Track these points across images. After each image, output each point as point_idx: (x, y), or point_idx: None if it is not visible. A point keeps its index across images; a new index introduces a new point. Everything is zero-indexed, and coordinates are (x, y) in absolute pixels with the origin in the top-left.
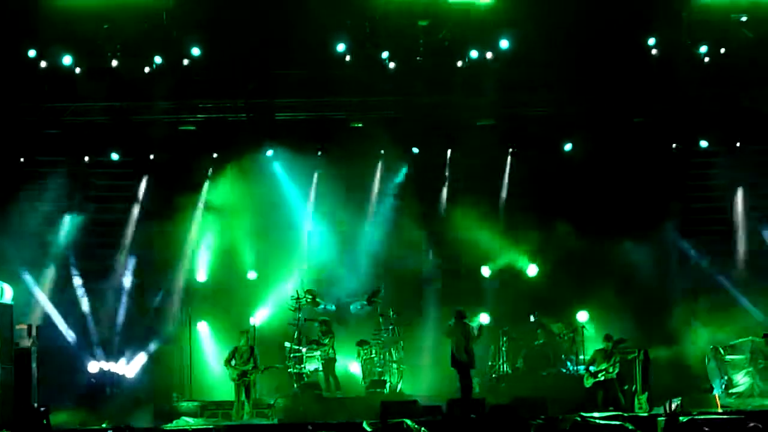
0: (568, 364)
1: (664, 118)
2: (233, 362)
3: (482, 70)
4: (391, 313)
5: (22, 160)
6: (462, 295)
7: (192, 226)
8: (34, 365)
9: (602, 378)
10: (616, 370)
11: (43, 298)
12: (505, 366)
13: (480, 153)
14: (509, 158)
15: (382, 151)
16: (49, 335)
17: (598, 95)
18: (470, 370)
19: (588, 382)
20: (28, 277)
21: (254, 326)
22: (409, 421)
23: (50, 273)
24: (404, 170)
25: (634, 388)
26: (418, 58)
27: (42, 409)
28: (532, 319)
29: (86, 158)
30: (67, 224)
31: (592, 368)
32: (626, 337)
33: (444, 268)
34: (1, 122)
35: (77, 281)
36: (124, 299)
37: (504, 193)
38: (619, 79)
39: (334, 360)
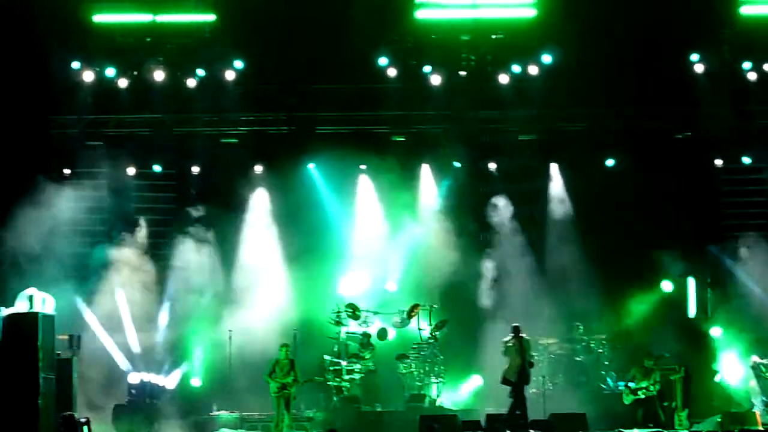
0: (608, 380)
1: (707, 133)
2: (273, 375)
3: (525, 85)
4: (432, 327)
5: (67, 171)
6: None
7: (234, 238)
8: (75, 375)
9: (642, 396)
10: (657, 388)
11: (84, 308)
12: (544, 381)
13: (522, 167)
14: (551, 172)
15: (424, 165)
16: (91, 346)
17: (641, 110)
18: (522, 388)
19: (627, 399)
20: (70, 288)
21: (296, 334)
22: None
23: (92, 283)
24: (446, 184)
25: (674, 404)
26: (460, 72)
27: (83, 420)
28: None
29: (129, 170)
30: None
31: (631, 385)
32: (666, 353)
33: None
34: (45, 134)
35: (119, 292)
36: (166, 308)
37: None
38: (662, 95)
39: (374, 373)
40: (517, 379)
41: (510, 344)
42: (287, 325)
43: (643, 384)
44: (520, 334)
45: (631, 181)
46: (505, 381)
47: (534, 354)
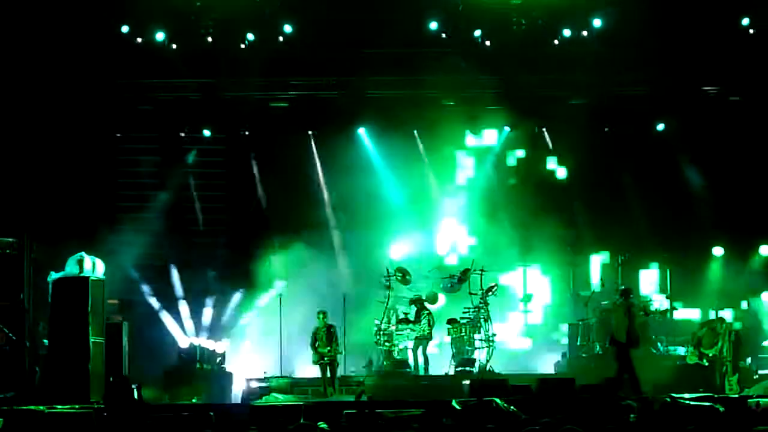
0: (659, 344)
1: (761, 97)
2: (317, 344)
3: (576, 49)
4: (481, 292)
5: (118, 135)
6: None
7: (284, 202)
8: (125, 339)
9: (706, 363)
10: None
11: (135, 273)
12: (596, 345)
13: (572, 131)
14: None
15: (474, 130)
16: (141, 310)
17: (693, 74)
18: (629, 351)
19: (692, 359)
20: (121, 252)
21: (344, 297)
22: (498, 400)
23: (143, 248)
24: (496, 149)
25: (724, 369)
26: (511, 36)
27: (134, 385)
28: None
29: (181, 134)
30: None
31: (703, 350)
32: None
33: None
34: (97, 98)
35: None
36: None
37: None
38: (714, 58)
39: (426, 338)
40: (626, 340)
41: (618, 305)
42: (337, 289)
43: (714, 351)
44: (630, 297)
45: (683, 145)
46: (612, 341)
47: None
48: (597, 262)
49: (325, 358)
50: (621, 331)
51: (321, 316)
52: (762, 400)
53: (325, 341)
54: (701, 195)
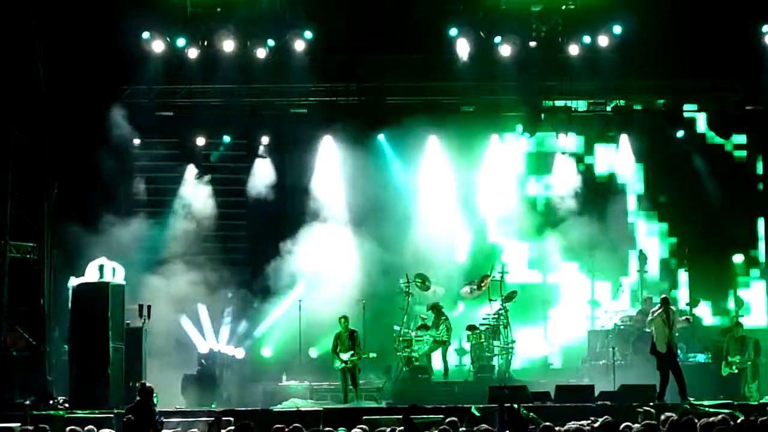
0: (679, 351)
1: None
2: (338, 349)
3: (595, 56)
4: (502, 298)
5: (137, 142)
6: None
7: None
8: (145, 345)
9: (736, 370)
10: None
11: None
12: (614, 352)
13: (591, 137)
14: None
15: (494, 136)
16: (161, 316)
17: (711, 82)
18: (673, 361)
19: (725, 371)
20: (140, 258)
21: (364, 304)
22: (517, 406)
23: (160, 253)
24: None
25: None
26: (531, 43)
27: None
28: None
29: (200, 141)
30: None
31: (729, 358)
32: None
33: None
34: (117, 104)
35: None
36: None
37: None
38: (731, 66)
39: (445, 344)
40: (666, 349)
41: (656, 314)
42: (356, 295)
43: (737, 358)
44: (669, 306)
45: (703, 152)
46: (653, 351)
47: (680, 324)
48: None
49: (348, 363)
50: (660, 342)
51: (343, 321)
52: None
53: (347, 345)
54: (716, 205)
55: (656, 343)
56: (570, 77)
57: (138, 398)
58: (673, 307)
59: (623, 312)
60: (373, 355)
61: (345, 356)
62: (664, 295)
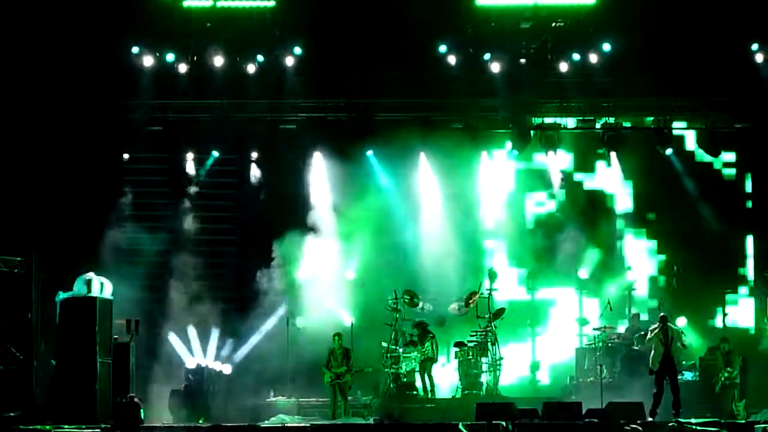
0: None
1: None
2: (329, 365)
3: (585, 73)
4: (490, 315)
5: (126, 156)
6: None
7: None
8: (132, 360)
9: (728, 383)
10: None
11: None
12: (602, 369)
13: (578, 155)
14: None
15: (483, 153)
16: (148, 331)
17: (700, 100)
18: (668, 378)
19: (718, 388)
20: (128, 272)
21: (352, 322)
22: (504, 423)
23: (148, 268)
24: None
25: (733, 394)
26: (520, 60)
27: (135, 399)
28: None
29: (189, 156)
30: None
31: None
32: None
33: None
34: (105, 119)
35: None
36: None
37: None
38: (720, 84)
39: (432, 361)
40: (659, 367)
41: (654, 333)
42: (344, 309)
43: (725, 374)
44: (668, 323)
45: (692, 171)
46: (651, 371)
47: (685, 339)
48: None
49: (341, 378)
50: (655, 360)
51: (337, 338)
52: None
53: (340, 361)
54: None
55: (652, 362)
56: (559, 94)
57: (125, 412)
58: (671, 325)
59: (611, 330)
60: (369, 369)
61: (338, 371)
62: (663, 314)
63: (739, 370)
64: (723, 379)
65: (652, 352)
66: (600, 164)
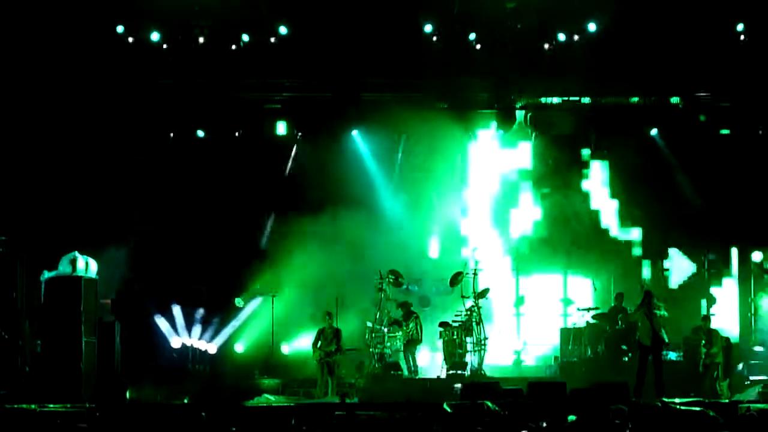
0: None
1: (752, 102)
2: (319, 344)
3: (569, 53)
4: (474, 295)
5: (111, 134)
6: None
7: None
8: (117, 339)
9: (708, 361)
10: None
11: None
12: (586, 350)
13: (562, 135)
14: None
15: (468, 132)
16: (133, 310)
17: (686, 80)
18: (654, 354)
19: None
20: (113, 251)
21: (337, 299)
22: (489, 403)
23: (136, 247)
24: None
25: (715, 374)
26: (506, 40)
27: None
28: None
29: (171, 135)
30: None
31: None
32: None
33: None
34: (89, 98)
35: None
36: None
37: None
38: (707, 64)
39: (417, 341)
40: (650, 343)
41: (640, 308)
42: (330, 291)
43: (704, 351)
44: (652, 299)
45: (676, 151)
46: (639, 344)
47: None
48: None
49: (330, 357)
50: (644, 336)
51: (327, 317)
52: (753, 406)
53: (329, 341)
54: (693, 202)
55: (641, 337)
56: (545, 74)
57: (110, 392)
58: (656, 301)
59: (595, 310)
60: (360, 348)
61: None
62: (647, 289)
63: (720, 349)
64: (704, 357)
65: (640, 327)
66: (584, 144)
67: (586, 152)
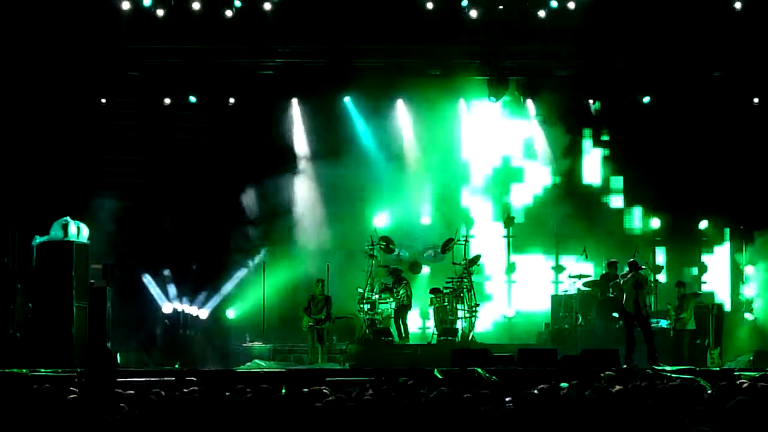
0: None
1: (745, 72)
2: (308, 310)
3: (563, 20)
4: (466, 262)
5: (103, 101)
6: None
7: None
8: (108, 304)
9: (678, 327)
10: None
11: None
12: (577, 317)
13: (556, 102)
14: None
15: (461, 99)
16: (125, 275)
17: (679, 47)
18: (639, 321)
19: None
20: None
21: (328, 265)
22: (480, 370)
23: (127, 213)
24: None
25: (706, 342)
26: (499, 6)
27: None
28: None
29: (166, 101)
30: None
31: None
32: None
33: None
34: (83, 63)
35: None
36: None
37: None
38: (700, 32)
39: (407, 308)
40: (635, 309)
41: (627, 279)
42: (322, 257)
43: (684, 315)
44: (639, 268)
45: (668, 118)
46: (622, 312)
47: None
48: None
49: (320, 324)
50: (629, 302)
51: (319, 285)
52: (743, 374)
53: (320, 308)
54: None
55: (625, 305)
56: (538, 41)
57: (101, 356)
58: (642, 272)
59: (586, 277)
60: (350, 316)
61: (317, 316)
62: (632, 260)
63: (692, 315)
64: (674, 322)
65: (625, 296)
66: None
67: (579, 120)
